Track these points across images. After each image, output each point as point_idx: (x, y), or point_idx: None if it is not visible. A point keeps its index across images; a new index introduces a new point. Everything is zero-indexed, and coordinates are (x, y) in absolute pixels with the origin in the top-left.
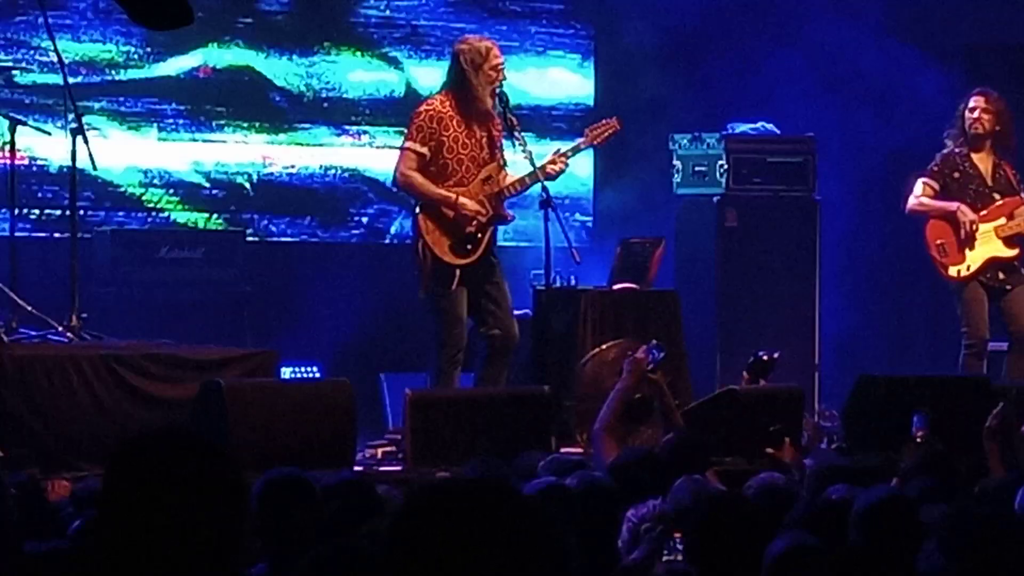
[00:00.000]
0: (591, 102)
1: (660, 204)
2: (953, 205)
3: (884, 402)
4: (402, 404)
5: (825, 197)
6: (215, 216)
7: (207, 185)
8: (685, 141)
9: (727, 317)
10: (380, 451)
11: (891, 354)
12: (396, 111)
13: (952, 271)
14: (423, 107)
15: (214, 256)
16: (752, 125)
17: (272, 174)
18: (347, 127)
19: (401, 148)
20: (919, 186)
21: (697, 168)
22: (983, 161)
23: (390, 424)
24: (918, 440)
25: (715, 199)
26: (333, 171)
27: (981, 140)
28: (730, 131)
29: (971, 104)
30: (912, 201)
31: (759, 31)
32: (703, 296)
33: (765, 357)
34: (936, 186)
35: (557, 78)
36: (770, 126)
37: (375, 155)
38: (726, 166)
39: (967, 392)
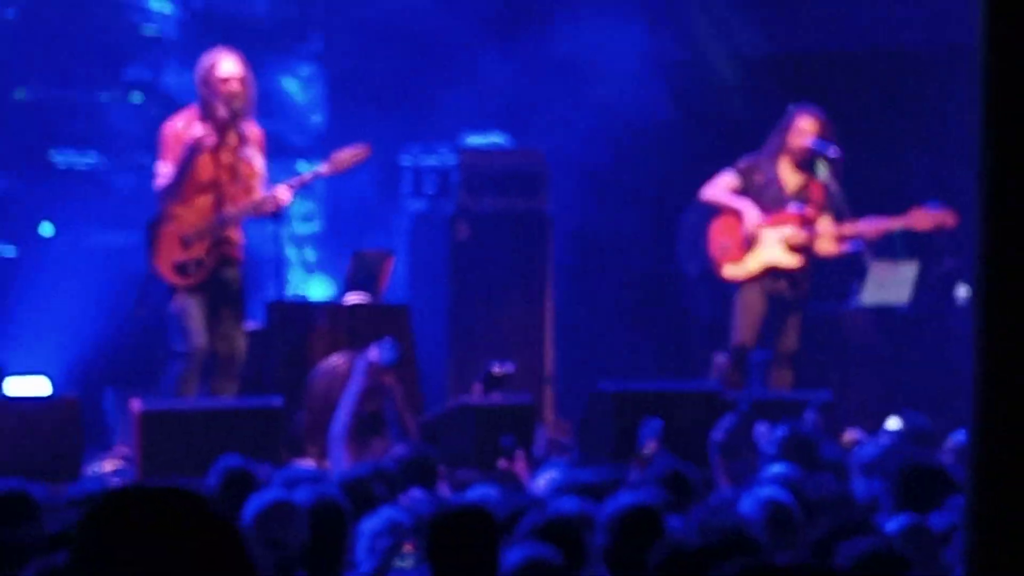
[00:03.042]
0: (321, 115)
1: (392, 217)
2: (741, 204)
3: (615, 414)
4: (130, 418)
5: (557, 210)
6: None
7: None
8: (417, 153)
9: (459, 330)
10: (110, 466)
11: (625, 366)
12: None
13: (726, 271)
14: (167, 124)
15: None
16: (484, 138)
17: None
18: None
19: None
20: (722, 176)
21: (429, 181)
22: (790, 174)
23: (117, 439)
24: (646, 453)
25: (447, 212)
26: None
27: (800, 157)
28: (462, 144)
29: (800, 125)
30: (709, 189)
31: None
32: (435, 309)
33: (498, 370)
34: (736, 183)
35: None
36: (502, 139)
37: None
38: (458, 179)
39: (696, 404)
